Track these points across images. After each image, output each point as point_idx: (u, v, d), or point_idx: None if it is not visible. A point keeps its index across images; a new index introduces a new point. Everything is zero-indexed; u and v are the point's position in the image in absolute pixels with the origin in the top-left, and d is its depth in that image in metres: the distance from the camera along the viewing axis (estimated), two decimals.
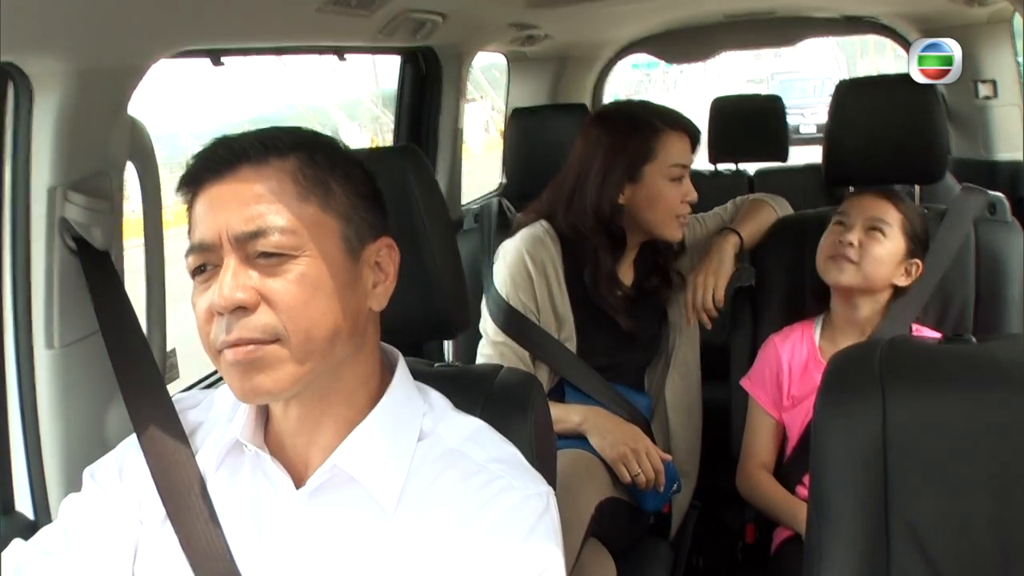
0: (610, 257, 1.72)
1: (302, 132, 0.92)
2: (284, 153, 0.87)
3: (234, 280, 0.82)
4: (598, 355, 1.73)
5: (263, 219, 0.84)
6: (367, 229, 0.90)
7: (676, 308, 1.82)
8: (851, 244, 1.65)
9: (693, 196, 1.72)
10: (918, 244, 1.67)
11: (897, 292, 1.69)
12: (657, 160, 1.68)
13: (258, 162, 0.86)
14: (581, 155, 1.74)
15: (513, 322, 1.69)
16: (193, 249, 0.86)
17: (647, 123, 1.70)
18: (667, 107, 1.78)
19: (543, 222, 1.75)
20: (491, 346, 1.70)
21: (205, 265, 0.85)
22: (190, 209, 0.88)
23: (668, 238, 1.74)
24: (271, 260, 0.83)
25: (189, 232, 0.88)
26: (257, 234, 0.83)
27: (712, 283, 1.74)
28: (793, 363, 1.71)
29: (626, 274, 1.78)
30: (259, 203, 0.84)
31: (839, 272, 1.66)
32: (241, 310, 0.82)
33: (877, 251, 1.65)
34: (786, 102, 3.36)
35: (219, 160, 0.86)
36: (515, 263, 1.71)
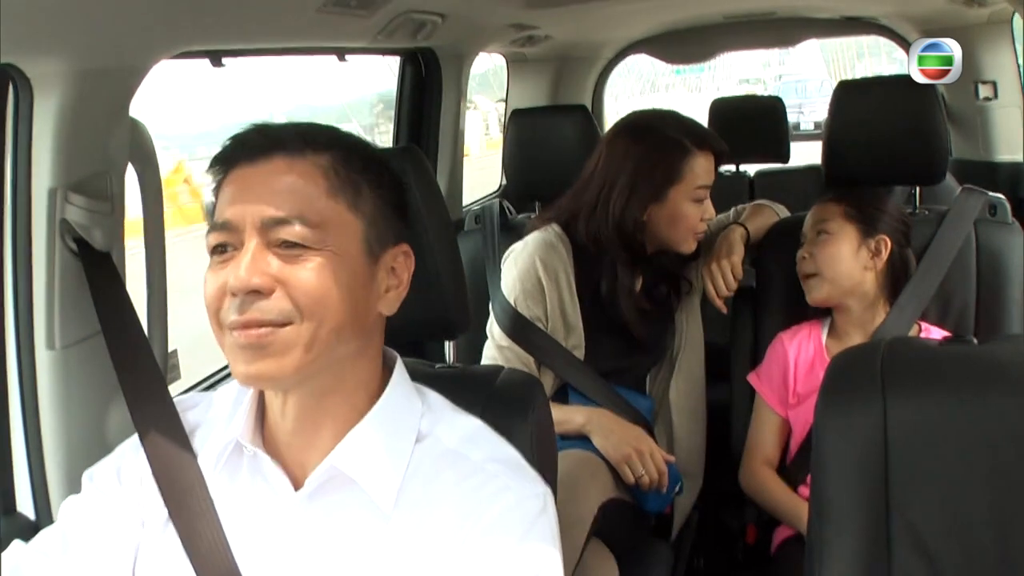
0: (629, 271, 1.71)
1: (339, 131, 0.93)
2: (320, 149, 0.88)
3: (253, 264, 0.83)
4: (604, 360, 1.73)
5: (290, 208, 0.84)
6: (389, 234, 0.91)
7: (681, 313, 1.82)
8: (804, 257, 1.71)
9: (711, 214, 1.73)
10: (874, 223, 1.69)
11: (889, 283, 1.70)
12: (684, 182, 1.67)
13: (294, 153, 0.87)
14: (606, 166, 1.71)
15: (519, 327, 1.69)
16: (216, 227, 0.86)
17: (676, 142, 1.68)
18: (696, 122, 1.75)
19: (555, 227, 1.74)
20: (496, 349, 1.70)
21: (226, 245, 0.86)
22: (218, 188, 0.89)
23: (682, 251, 1.74)
24: (292, 250, 0.84)
25: (214, 211, 0.88)
26: (282, 221, 0.84)
27: (727, 266, 1.74)
28: (800, 361, 1.72)
29: (636, 281, 1.78)
30: (289, 193, 0.85)
31: (811, 290, 1.72)
32: (255, 294, 0.82)
33: (827, 251, 1.68)
34: (787, 101, 3.37)
35: (255, 145, 0.87)
36: (526, 269, 1.70)
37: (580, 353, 1.70)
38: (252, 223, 0.84)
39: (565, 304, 1.70)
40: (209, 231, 0.87)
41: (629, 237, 1.68)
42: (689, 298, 1.83)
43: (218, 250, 0.86)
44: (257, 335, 0.83)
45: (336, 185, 0.87)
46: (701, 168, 1.69)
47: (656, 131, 1.71)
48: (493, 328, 1.71)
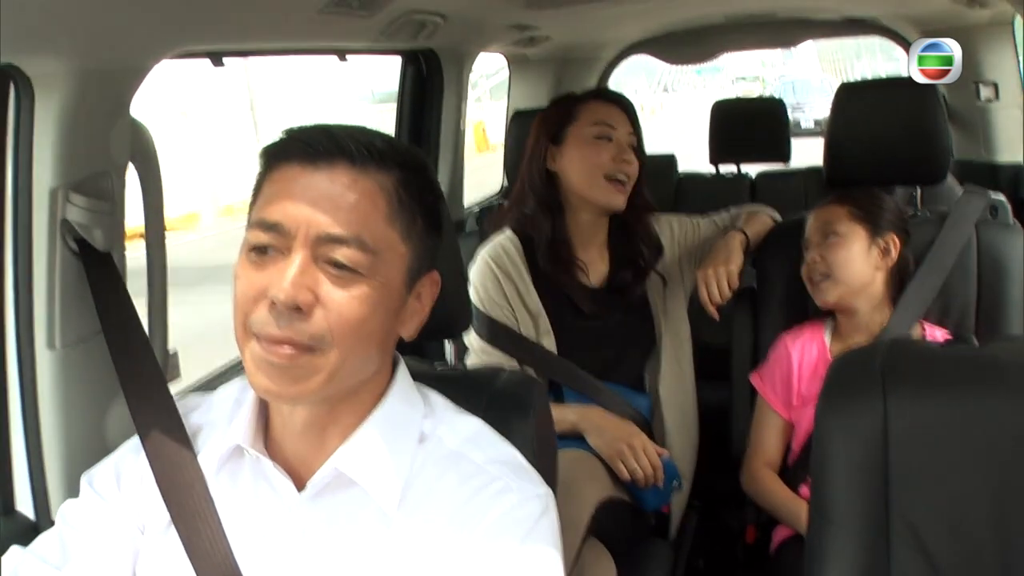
0: (549, 222, 1.75)
1: (401, 147, 0.90)
2: (386, 167, 0.86)
3: (300, 278, 0.81)
4: (580, 350, 1.73)
5: (351, 228, 0.82)
6: (427, 262, 0.90)
7: (658, 307, 1.82)
8: (816, 261, 1.70)
9: (629, 158, 1.74)
10: (880, 222, 1.69)
11: (895, 283, 1.69)
12: (578, 120, 1.75)
13: (358, 166, 0.84)
14: (523, 151, 1.82)
15: (494, 332, 1.71)
16: (263, 225, 0.83)
17: (565, 96, 1.84)
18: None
19: (507, 230, 1.80)
20: (476, 356, 1.72)
21: (267, 247, 0.83)
22: (262, 179, 0.86)
23: (604, 203, 1.74)
24: (341, 272, 0.82)
25: (254, 203, 0.86)
26: (339, 241, 0.82)
27: (723, 272, 1.73)
28: (803, 363, 1.72)
29: (598, 266, 1.79)
30: (351, 212, 0.83)
31: (821, 293, 1.71)
32: (296, 311, 0.81)
33: (840, 255, 1.68)
34: (788, 100, 3.37)
35: (319, 148, 0.84)
36: (482, 271, 1.75)
37: (550, 341, 1.72)
38: (306, 234, 0.82)
39: (523, 294, 1.73)
40: (252, 226, 0.84)
41: (543, 192, 1.75)
42: (669, 291, 1.83)
43: (258, 249, 0.84)
44: (287, 356, 0.81)
45: (396, 210, 0.85)
46: (597, 108, 1.77)
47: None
48: (471, 338, 1.73)
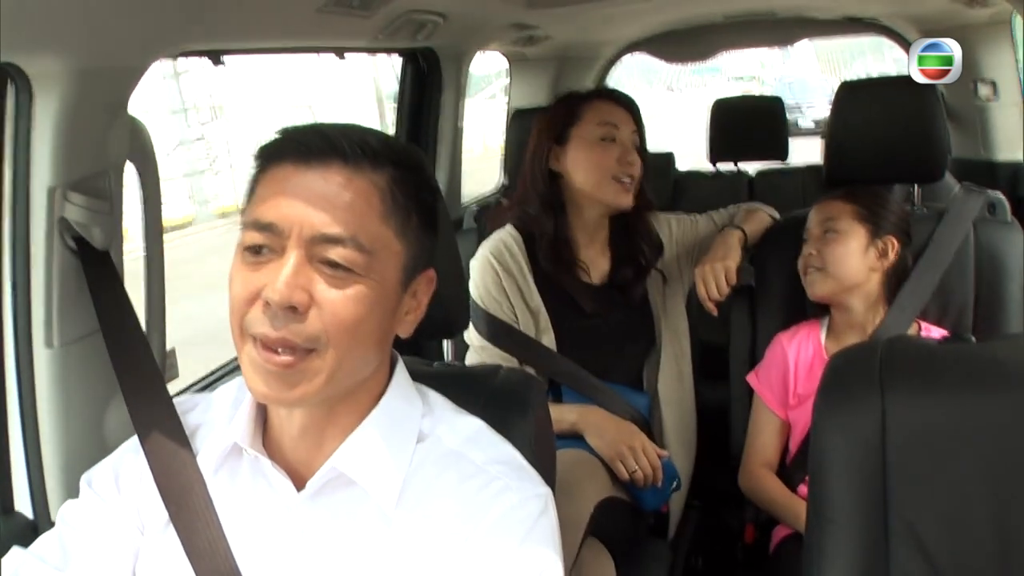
0: (552, 222, 1.75)
1: (396, 145, 0.90)
2: (380, 165, 0.85)
3: (294, 279, 0.80)
4: (580, 349, 1.73)
5: (346, 228, 0.82)
6: (423, 259, 0.90)
7: (658, 304, 1.82)
8: (811, 254, 1.70)
9: (633, 159, 1.74)
10: (882, 223, 1.69)
11: (891, 284, 1.69)
12: (582, 121, 1.74)
13: (352, 165, 0.84)
14: (526, 149, 1.81)
15: (494, 329, 1.71)
16: (257, 226, 0.83)
17: (569, 95, 1.81)
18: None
19: (508, 227, 1.80)
20: (476, 353, 1.72)
21: (262, 247, 0.83)
22: (256, 180, 0.86)
23: (611, 203, 1.74)
24: (336, 271, 0.82)
25: (248, 204, 0.86)
26: (335, 240, 0.81)
27: (720, 269, 1.73)
28: (799, 361, 1.72)
29: (599, 264, 1.79)
30: (346, 211, 0.82)
31: (812, 285, 1.71)
32: (291, 311, 0.80)
33: (836, 251, 1.68)
34: (786, 100, 3.38)
35: (312, 147, 0.84)
36: (483, 268, 1.75)
37: (550, 339, 1.72)
38: (300, 234, 0.81)
39: (523, 291, 1.73)
40: (246, 227, 0.84)
41: (546, 193, 1.75)
42: (668, 289, 1.83)
43: (252, 249, 0.83)
44: (282, 364, 0.81)
45: (390, 208, 0.85)
46: (601, 108, 1.76)
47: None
48: (471, 334, 1.73)
